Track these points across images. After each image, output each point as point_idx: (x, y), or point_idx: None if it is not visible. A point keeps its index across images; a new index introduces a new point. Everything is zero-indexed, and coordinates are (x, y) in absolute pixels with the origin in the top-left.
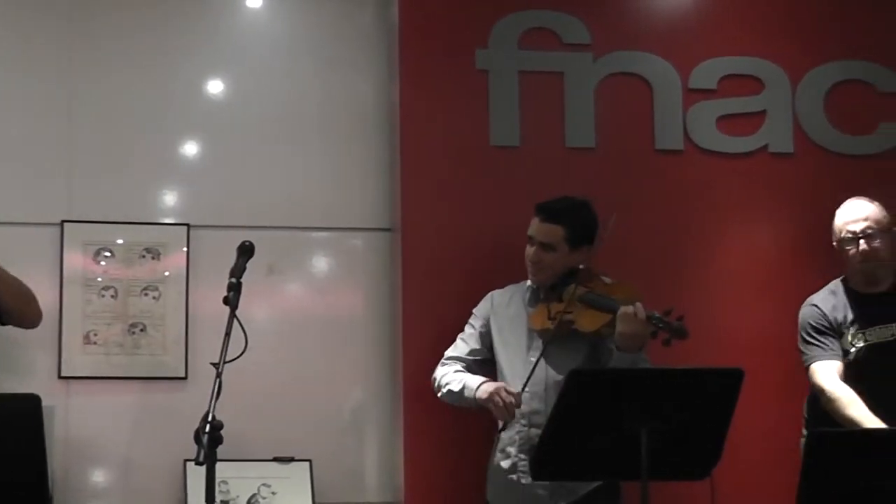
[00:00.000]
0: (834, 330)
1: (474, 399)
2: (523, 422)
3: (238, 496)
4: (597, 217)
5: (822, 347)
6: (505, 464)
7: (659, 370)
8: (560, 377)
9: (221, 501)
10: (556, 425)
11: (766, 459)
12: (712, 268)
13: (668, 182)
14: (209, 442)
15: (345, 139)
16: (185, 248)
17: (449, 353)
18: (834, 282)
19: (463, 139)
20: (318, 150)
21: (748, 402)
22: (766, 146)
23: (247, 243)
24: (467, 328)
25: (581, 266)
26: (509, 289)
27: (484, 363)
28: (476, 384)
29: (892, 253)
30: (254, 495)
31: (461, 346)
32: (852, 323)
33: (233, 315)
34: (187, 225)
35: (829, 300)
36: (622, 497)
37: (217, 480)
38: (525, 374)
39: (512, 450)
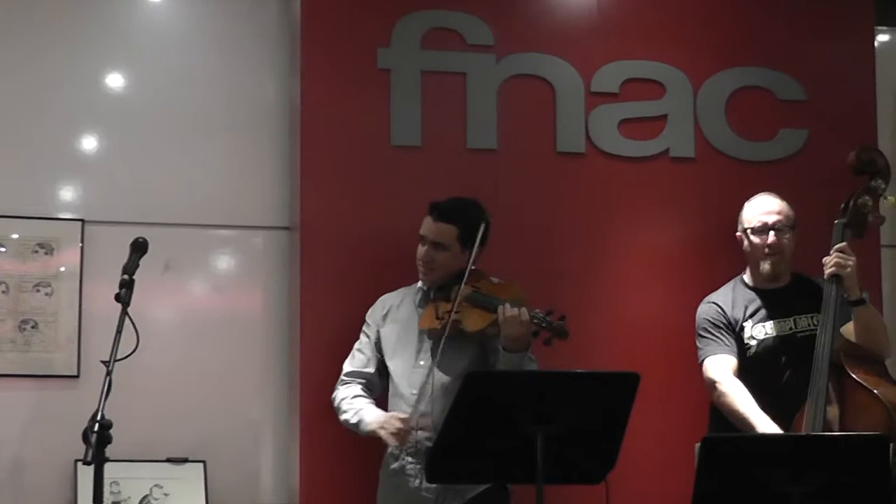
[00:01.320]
0: (731, 326)
1: (369, 433)
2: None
3: (129, 497)
4: (488, 216)
5: (716, 342)
6: (394, 466)
7: (555, 373)
8: (448, 378)
9: (113, 503)
10: (451, 427)
11: (663, 463)
12: (611, 269)
13: (570, 184)
14: (97, 441)
15: (245, 136)
16: (79, 244)
17: (347, 367)
18: (732, 280)
19: (364, 138)
20: (217, 146)
21: (645, 404)
22: (667, 150)
23: (140, 239)
24: (362, 337)
25: (472, 267)
26: (400, 291)
27: (384, 373)
28: (370, 417)
29: (792, 250)
30: (146, 496)
31: (358, 358)
32: (751, 316)
33: (124, 312)
34: (82, 220)
35: (727, 296)
36: (511, 499)
37: (108, 481)
38: (413, 376)
39: (401, 453)
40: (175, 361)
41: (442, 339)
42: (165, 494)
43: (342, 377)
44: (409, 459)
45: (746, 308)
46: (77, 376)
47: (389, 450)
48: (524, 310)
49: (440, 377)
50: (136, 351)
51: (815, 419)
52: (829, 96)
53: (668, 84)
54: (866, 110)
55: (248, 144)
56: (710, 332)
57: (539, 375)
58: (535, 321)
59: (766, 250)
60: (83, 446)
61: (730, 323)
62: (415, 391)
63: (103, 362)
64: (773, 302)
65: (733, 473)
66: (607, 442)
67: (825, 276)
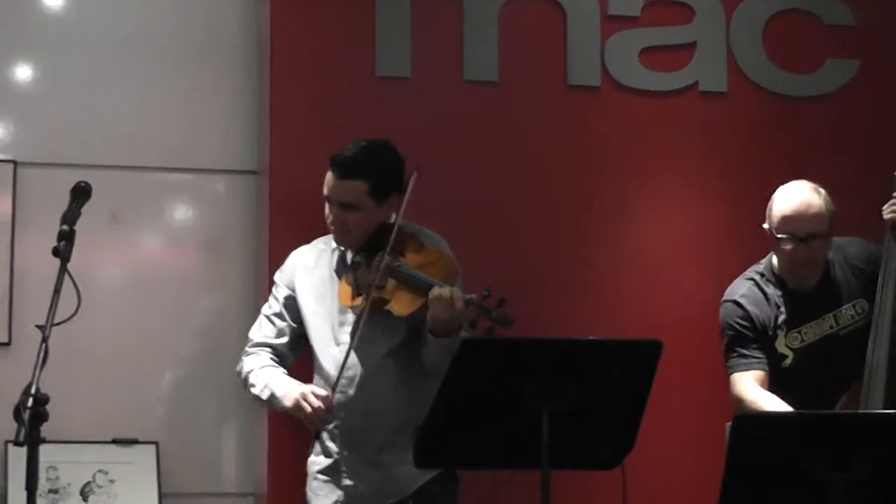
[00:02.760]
0: (760, 334)
1: (283, 408)
2: (341, 414)
3: (69, 484)
4: (402, 160)
5: (745, 356)
6: (325, 462)
7: (565, 341)
8: (372, 363)
9: (49, 490)
10: (444, 405)
11: (687, 446)
12: (630, 222)
13: (582, 123)
14: (31, 418)
15: (205, 68)
16: (10, 190)
17: (254, 335)
18: (759, 265)
19: (344, 69)
20: (172, 79)
21: (668, 378)
22: (695, 84)
23: (82, 184)
24: (271, 300)
25: (393, 220)
26: (316, 245)
27: (297, 342)
28: (282, 391)
29: (826, 253)
30: (88, 483)
31: (266, 326)
32: (784, 323)
33: (63, 269)
34: (13, 162)
35: (755, 296)
36: (459, 488)
37: (43, 465)
38: (338, 355)
39: (332, 446)
40: (122, 327)
41: (360, 321)
42: (111, 481)
43: (246, 348)
44: (346, 454)
45: (778, 313)
46: (8, 343)
47: (317, 444)
48: (458, 294)
49: (370, 357)
50: (77, 314)
51: (871, 393)
52: (882, 22)
53: (696, 7)
54: None
55: (209, 77)
56: (736, 342)
57: (546, 344)
58: (472, 307)
59: (798, 261)
60: (14, 425)
61: (757, 330)
62: (335, 373)
63: (38, 327)
64: (808, 300)
65: (768, 457)
66: (624, 422)
67: (886, 222)
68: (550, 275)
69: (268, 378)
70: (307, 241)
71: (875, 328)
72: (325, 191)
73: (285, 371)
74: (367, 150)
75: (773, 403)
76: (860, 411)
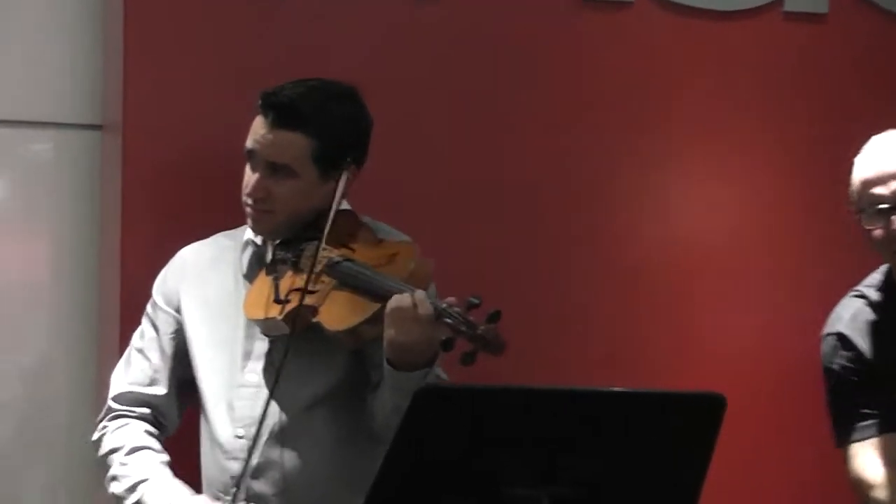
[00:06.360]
0: (876, 379)
1: None
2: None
3: None
4: (369, 118)
5: (860, 415)
6: None
7: (582, 392)
8: (297, 407)
9: None
10: (391, 484)
11: None
12: (669, 219)
13: (602, 56)
14: None
15: None
16: None
17: (117, 380)
18: (878, 279)
19: None
20: None
21: (727, 457)
22: (779, 1)
23: None
24: (145, 327)
25: (343, 206)
26: (217, 241)
27: (184, 389)
28: None
29: None
30: None
31: (139, 365)
32: None
33: None
34: None
35: (864, 326)
36: None
37: None
38: (237, 403)
39: None
40: None
41: (287, 341)
42: None
43: (110, 402)
44: None
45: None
46: None
47: None
48: (424, 300)
49: (292, 400)
50: None
51: None
52: None
53: None
54: None
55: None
56: (845, 393)
57: (549, 395)
58: (448, 320)
59: (887, 244)
60: None
61: (873, 372)
62: (241, 432)
63: None
64: None
65: None
66: None
67: None
68: (548, 285)
69: (139, 476)
70: (185, 222)
71: None
72: (248, 143)
73: (163, 458)
74: (319, 93)
75: None
76: None
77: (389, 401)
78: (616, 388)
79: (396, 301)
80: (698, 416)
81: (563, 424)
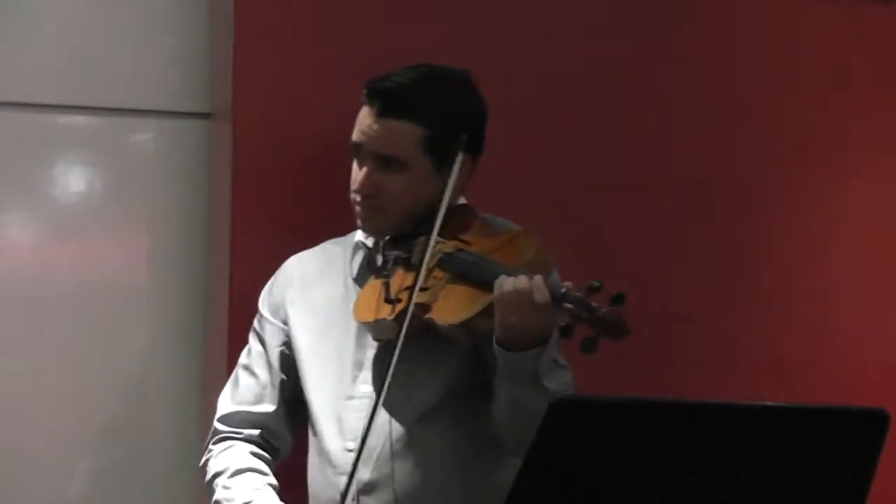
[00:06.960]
0: None
1: None
2: None
3: None
4: (485, 104)
5: None
6: None
7: (734, 407)
8: (410, 419)
9: None
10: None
11: None
12: (827, 232)
13: (716, 47)
14: None
15: None
16: None
17: (225, 403)
18: None
19: None
20: None
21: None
22: None
23: None
24: (252, 343)
25: (459, 202)
26: (326, 249)
27: (294, 406)
28: None
29: None
30: None
31: (245, 383)
32: None
33: None
34: None
35: None
36: None
37: None
38: (347, 415)
39: None
40: (12, 350)
41: (398, 345)
42: None
43: (216, 424)
44: None
45: None
46: None
47: None
48: (541, 284)
49: (400, 413)
50: None
51: None
52: None
53: None
54: None
55: None
56: None
57: (701, 408)
58: (568, 304)
59: None
60: None
61: None
62: (351, 446)
63: None
64: None
65: None
66: None
67: None
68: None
69: (242, 499)
70: (300, 219)
71: None
72: (354, 136)
73: (270, 481)
74: (429, 78)
75: None
76: None
77: (504, 393)
78: (774, 403)
79: (510, 284)
80: (859, 434)
81: (710, 441)
